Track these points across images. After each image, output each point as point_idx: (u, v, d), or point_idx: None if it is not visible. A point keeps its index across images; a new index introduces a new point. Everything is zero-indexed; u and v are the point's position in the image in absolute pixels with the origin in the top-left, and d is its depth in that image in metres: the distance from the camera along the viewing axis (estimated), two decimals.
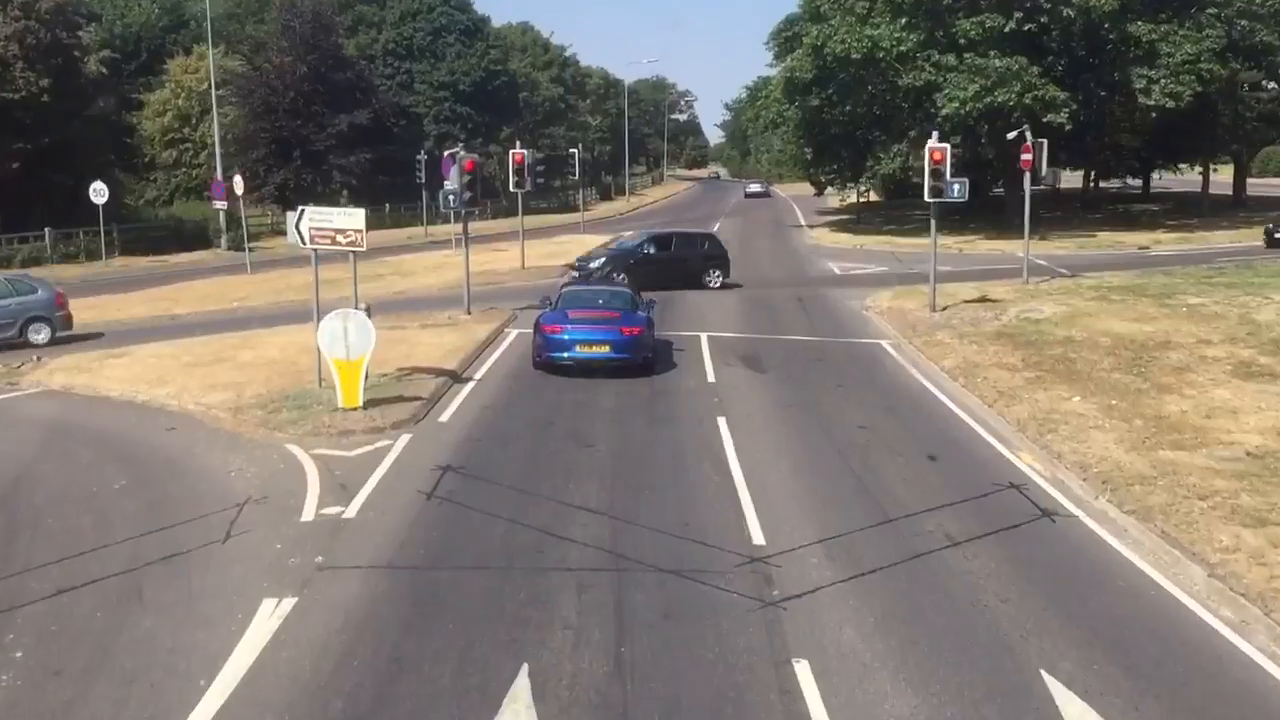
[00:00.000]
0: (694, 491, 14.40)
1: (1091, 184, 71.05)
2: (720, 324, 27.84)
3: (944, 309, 28.63)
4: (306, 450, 16.17)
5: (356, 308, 19.72)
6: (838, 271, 39.65)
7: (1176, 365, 20.95)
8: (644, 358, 21.17)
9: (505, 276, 37.39)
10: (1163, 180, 78.13)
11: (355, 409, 17.68)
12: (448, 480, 14.67)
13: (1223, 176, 68.88)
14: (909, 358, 23.86)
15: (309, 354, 20.08)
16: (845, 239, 51.87)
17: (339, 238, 19.01)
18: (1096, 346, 22.90)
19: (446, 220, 51.33)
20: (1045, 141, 33.28)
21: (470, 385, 20.40)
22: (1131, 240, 47.64)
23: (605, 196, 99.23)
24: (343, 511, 13.46)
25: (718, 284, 34.25)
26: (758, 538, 12.71)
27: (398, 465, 15.41)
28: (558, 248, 47.17)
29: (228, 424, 17.96)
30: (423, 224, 61.37)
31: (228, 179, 47.40)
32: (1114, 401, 18.46)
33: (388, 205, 65.47)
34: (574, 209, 65.08)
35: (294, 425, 17.27)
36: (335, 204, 63.86)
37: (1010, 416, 17.93)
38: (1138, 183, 74.74)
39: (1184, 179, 76.41)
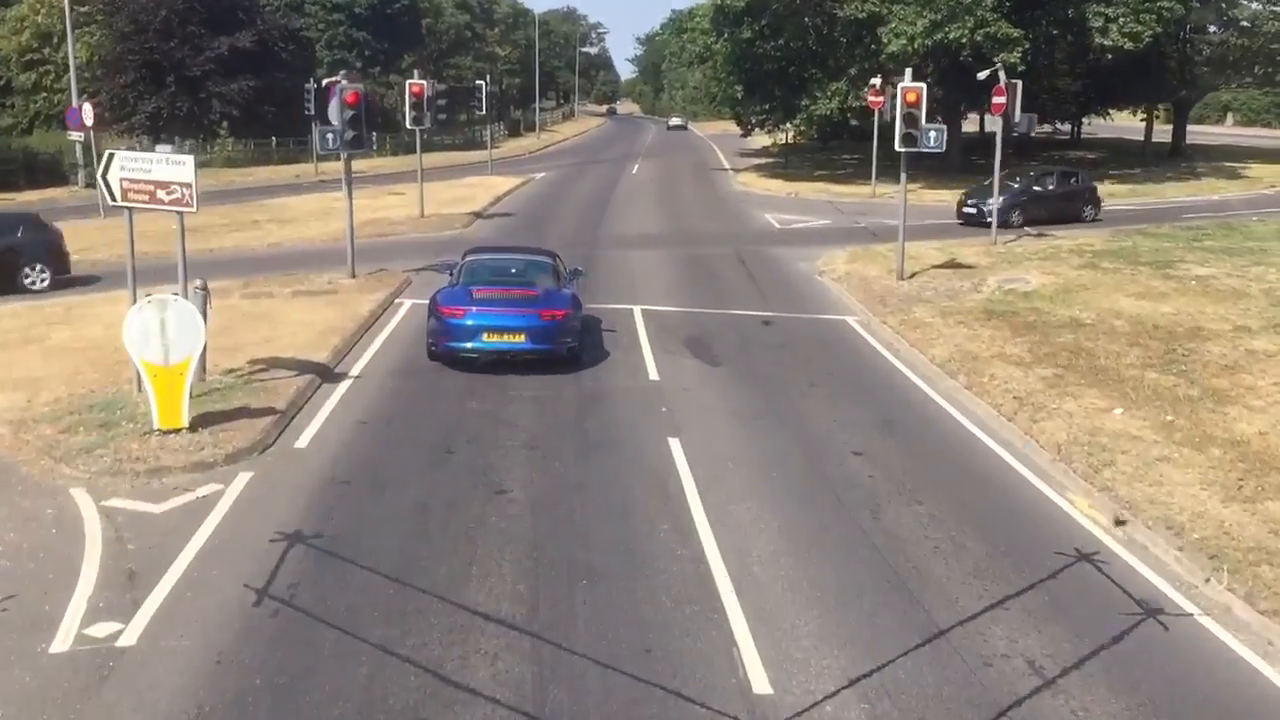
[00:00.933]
0: (653, 580, 9.96)
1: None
2: (655, 293, 23.30)
3: (912, 276, 24.47)
4: (97, 499, 11.38)
5: (193, 288, 14.84)
6: (776, 225, 35.28)
7: (1222, 362, 17.03)
8: (569, 348, 16.60)
9: (401, 227, 32.27)
10: (1091, 126, 75.16)
11: (178, 430, 12.86)
12: (292, 563, 10.02)
13: (1161, 125, 65.84)
14: (885, 341, 19.65)
15: None
16: (776, 186, 47.47)
17: (160, 193, 14.01)
18: (1114, 334, 18.90)
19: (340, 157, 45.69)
20: (1019, 83, 29.14)
21: (344, 386, 15.62)
22: None
23: (514, 133, 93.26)
24: (119, 633, 8.75)
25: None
26: (758, 679, 8.36)
27: (223, 532, 10.70)
28: (465, 191, 41.98)
29: (2, 447, 13.02)
30: (313, 161, 55.42)
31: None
32: (1169, 417, 14.44)
33: (274, 139, 59.24)
34: (481, 146, 59.57)
35: (88, 455, 12.40)
36: (214, 137, 57.86)
37: (1044, 439, 13.81)
38: (1066, 128, 71.52)
39: (1115, 125, 73.48)
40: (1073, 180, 36.66)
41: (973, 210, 33.37)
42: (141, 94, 56.61)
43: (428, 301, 17.28)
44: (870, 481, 12.62)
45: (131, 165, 14.11)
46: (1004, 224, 31.01)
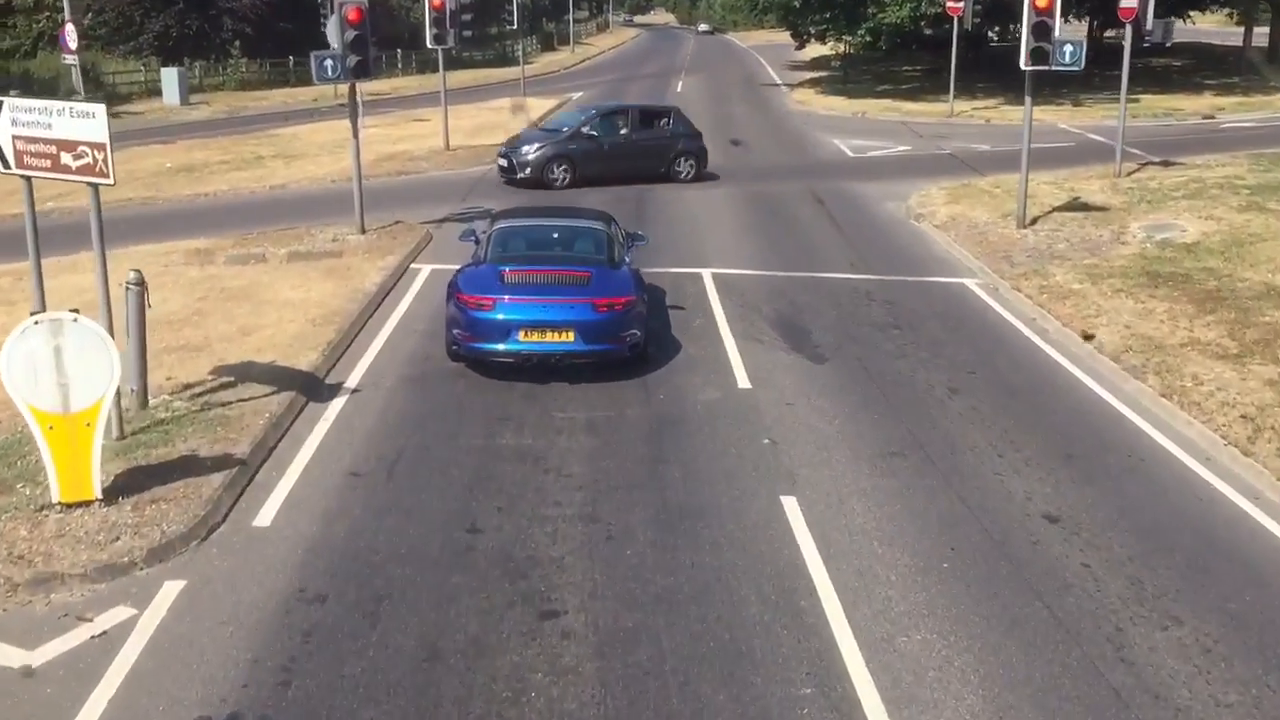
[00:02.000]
0: None
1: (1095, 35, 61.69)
2: (724, 249, 19.05)
3: (1033, 222, 20.05)
4: None
5: (124, 287, 10.95)
6: (849, 153, 30.68)
7: None
8: (633, 345, 12.51)
9: (423, 163, 27.98)
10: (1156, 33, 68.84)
11: (87, 503, 8.94)
12: None
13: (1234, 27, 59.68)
14: (1024, 316, 15.42)
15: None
16: (839, 104, 42.57)
17: (66, 158, 9.91)
18: None
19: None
20: None
21: (335, 408, 11.60)
22: (1185, 107, 38.92)
23: (547, 46, 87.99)
24: None
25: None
26: None
27: (119, 710, 6.79)
28: (493, 116, 37.47)
29: None
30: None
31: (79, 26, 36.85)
32: None
33: (291, 59, 54.65)
34: (512, 62, 54.82)
35: None
36: (226, 58, 53.40)
37: None
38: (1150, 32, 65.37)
39: (1195, 29, 67.35)
40: (662, 122, 25.69)
41: (504, 163, 24.80)
42: (148, 11, 52.11)
43: (449, 283, 13.17)
44: (1088, 578, 8.53)
45: (26, 118, 10.01)
46: (541, 183, 23.80)
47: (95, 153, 9.70)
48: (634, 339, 12.52)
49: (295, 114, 41.23)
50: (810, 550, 8.78)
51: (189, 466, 9.71)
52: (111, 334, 9.26)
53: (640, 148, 24.84)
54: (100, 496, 8.95)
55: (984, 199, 22.48)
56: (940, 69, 40.84)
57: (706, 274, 17.18)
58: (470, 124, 34.36)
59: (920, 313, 15.59)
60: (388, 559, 8.58)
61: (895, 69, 54.54)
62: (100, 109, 9.75)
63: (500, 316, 12.07)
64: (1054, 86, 37.98)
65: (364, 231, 19.40)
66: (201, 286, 15.89)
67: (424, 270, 17.23)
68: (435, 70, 32.70)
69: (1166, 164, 26.06)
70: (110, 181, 9.86)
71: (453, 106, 31.62)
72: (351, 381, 12.34)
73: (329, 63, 18.30)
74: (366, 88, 28.43)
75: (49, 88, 44.04)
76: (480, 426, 11.14)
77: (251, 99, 47.10)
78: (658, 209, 22.17)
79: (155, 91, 45.61)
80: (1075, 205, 21.42)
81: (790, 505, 9.55)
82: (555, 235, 13.69)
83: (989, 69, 44.77)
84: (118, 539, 8.53)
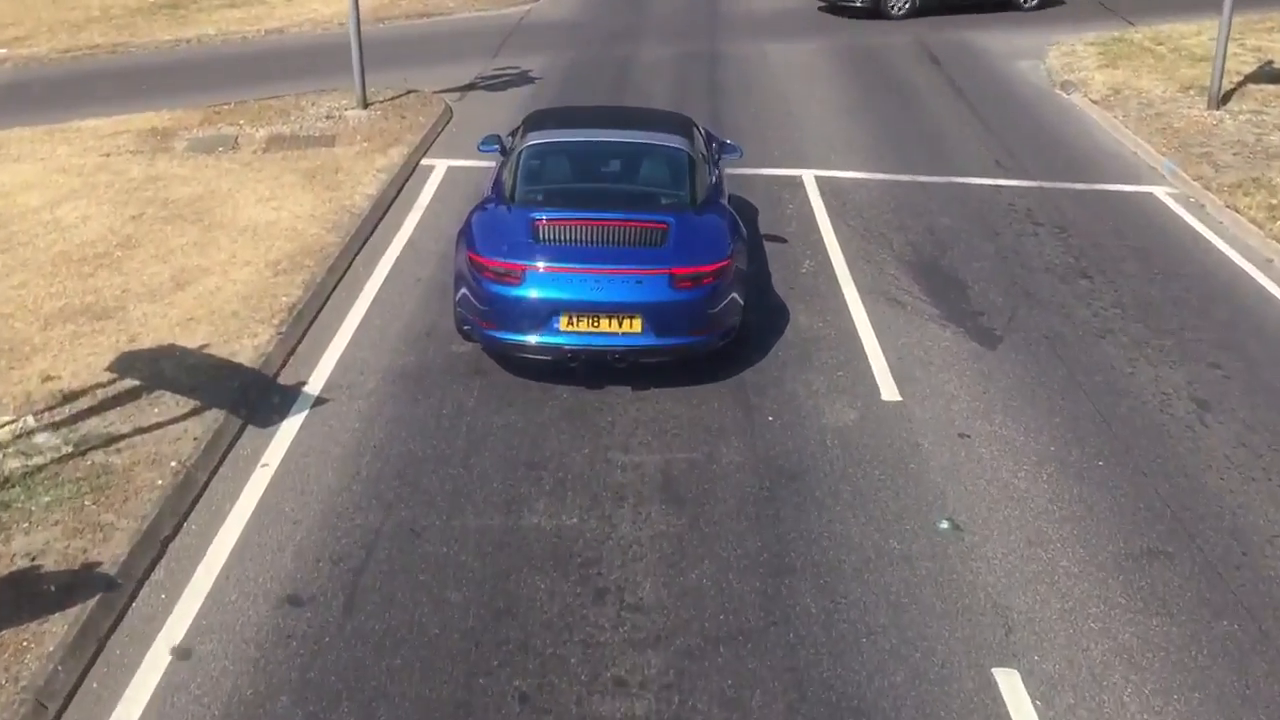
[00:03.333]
0: None
1: None
2: (828, 139, 14.53)
3: (1225, 98, 15.27)
4: None
5: None
6: None
7: None
8: (725, 333, 8.37)
9: (447, 1, 23.12)
10: None
11: None
12: None
13: None
14: (1259, 258, 11.04)
15: None
16: None
17: None
18: None
19: None
20: None
21: (277, 449, 7.55)
22: None
23: None
24: None
25: None
26: None
27: None
28: None
29: None
30: None
31: None
32: None
33: None
34: None
35: None
36: None
37: None
38: None
39: None
40: None
41: None
42: None
43: (459, 231, 9.00)
44: None
45: None
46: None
47: None
48: (729, 327, 8.37)
49: None
50: None
51: (15, 603, 5.86)
52: None
53: None
54: None
55: (1147, 61, 17.58)
56: None
57: (808, 178, 12.81)
58: None
59: (1108, 247, 11.21)
60: None
61: None
62: None
63: (533, 294, 7.94)
64: None
65: (366, 105, 15.04)
66: (142, 194, 11.79)
67: (438, 169, 12.98)
68: None
69: None
70: None
71: None
72: (315, 383, 8.33)
73: None
74: None
75: None
76: (498, 483, 7.16)
77: None
78: (735, 76, 17.51)
79: None
80: (1274, 73, 16.52)
81: (1011, 692, 5.59)
82: (613, 157, 9.25)
83: None
84: None
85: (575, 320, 7.95)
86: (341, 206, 11.36)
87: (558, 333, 7.98)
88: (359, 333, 9.08)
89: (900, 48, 19.28)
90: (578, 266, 7.96)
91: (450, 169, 12.89)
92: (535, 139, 9.12)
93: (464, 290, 8.33)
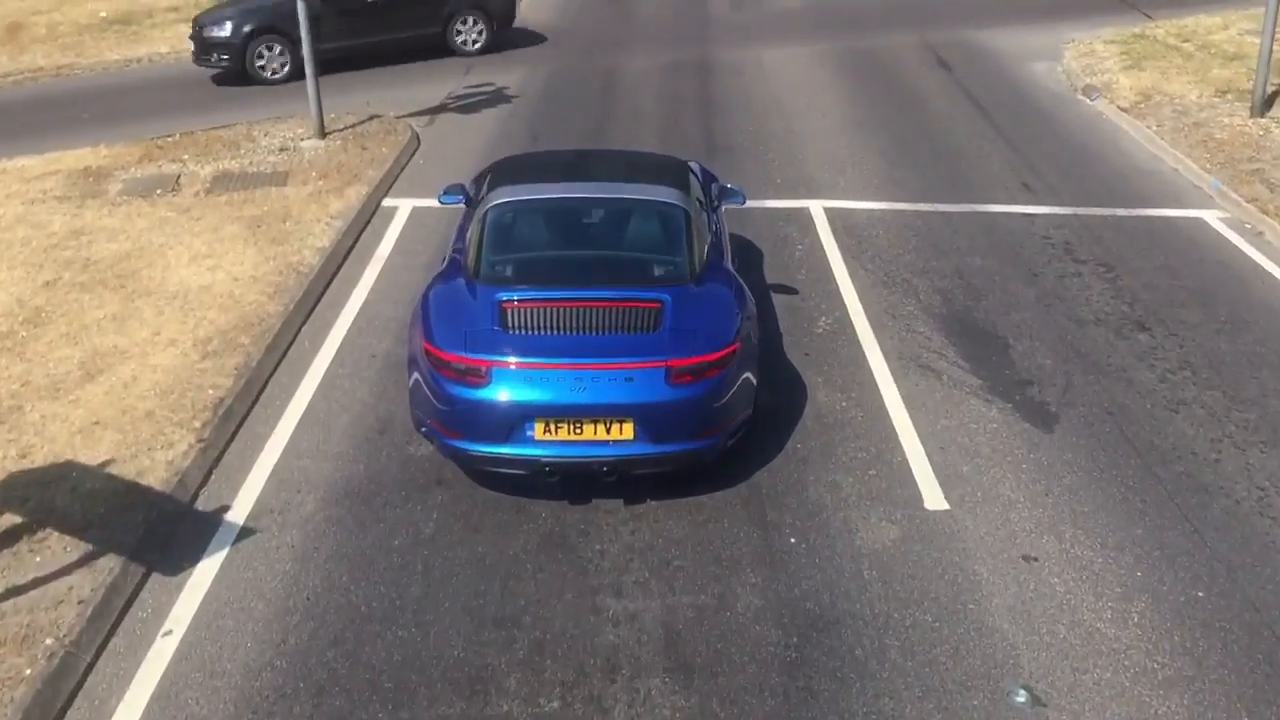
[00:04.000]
0: None
1: None
2: (835, 162, 13.05)
3: (1268, 101, 13.83)
4: None
5: None
6: None
7: None
8: (731, 436, 6.89)
9: None
10: None
11: None
12: None
13: None
14: None
15: None
16: None
17: None
18: None
19: None
20: None
21: (183, 614, 6.06)
22: None
23: None
24: None
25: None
26: None
27: None
28: None
29: None
30: None
31: None
32: None
33: None
34: None
35: None
36: None
37: None
38: None
39: None
40: None
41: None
42: None
43: (414, 311, 7.53)
44: None
45: None
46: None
47: None
48: (740, 419, 6.92)
49: None
50: None
51: None
52: None
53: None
54: None
55: (1174, 60, 16.12)
56: None
57: (816, 210, 11.36)
58: None
59: (1162, 289, 9.77)
60: None
61: None
62: None
63: (502, 396, 6.47)
64: None
65: (324, 134, 13.55)
66: (61, 254, 10.30)
67: (401, 211, 11.49)
68: None
69: None
70: None
71: None
72: (240, 507, 6.85)
73: None
74: None
75: None
76: (460, 649, 5.71)
77: None
78: (728, 88, 16.02)
79: None
80: None
81: None
82: (594, 218, 7.76)
83: None
84: None
85: (553, 427, 6.49)
86: (288, 264, 9.87)
87: (532, 442, 6.52)
88: (299, 432, 7.61)
89: (904, 51, 17.80)
90: (555, 361, 6.49)
91: (415, 211, 11.42)
92: (502, 197, 7.61)
93: (420, 384, 6.86)
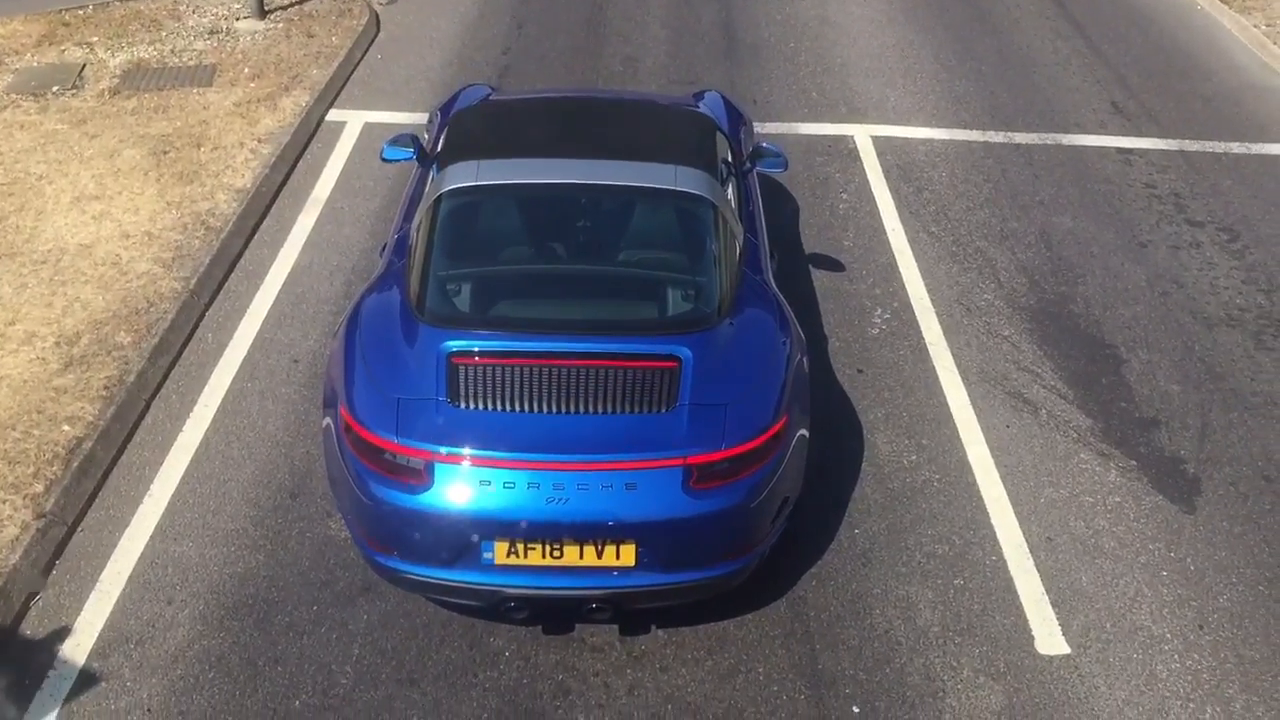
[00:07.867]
0: None
1: None
2: (877, 60, 10.54)
3: None
4: None
5: None
6: None
7: None
8: (773, 541, 4.85)
9: None
10: None
11: None
12: None
13: None
14: None
15: None
16: None
17: None
18: None
19: None
20: None
21: None
22: None
23: None
24: None
25: None
26: None
27: None
28: None
29: None
30: None
31: None
32: None
33: None
34: None
35: None
36: None
37: None
38: None
39: None
40: None
41: None
42: None
43: (330, 359, 5.38)
44: None
45: None
46: None
47: None
48: (781, 520, 4.87)
49: None
50: None
51: None
52: None
53: None
54: None
55: None
56: None
57: (862, 139, 9.03)
58: None
59: None
60: None
61: None
62: None
63: (448, 503, 4.39)
64: None
65: (264, 13, 10.99)
66: None
67: (349, 129, 9.10)
68: None
69: None
70: None
71: None
72: (84, 633, 4.81)
73: None
74: None
75: None
76: None
77: None
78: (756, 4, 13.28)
79: None
80: None
81: None
82: (585, 213, 5.35)
83: None
84: None
85: (521, 550, 4.44)
86: (195, 215, 7.59)
87: (491, 569, 4.48)
88: (183, 493, 5.54)
89: None
90: (524, 459, 4.39)
91: (368, 128, 9.05)
92: (458, 179, 5.30)
93: (336, 458, 4.76)
